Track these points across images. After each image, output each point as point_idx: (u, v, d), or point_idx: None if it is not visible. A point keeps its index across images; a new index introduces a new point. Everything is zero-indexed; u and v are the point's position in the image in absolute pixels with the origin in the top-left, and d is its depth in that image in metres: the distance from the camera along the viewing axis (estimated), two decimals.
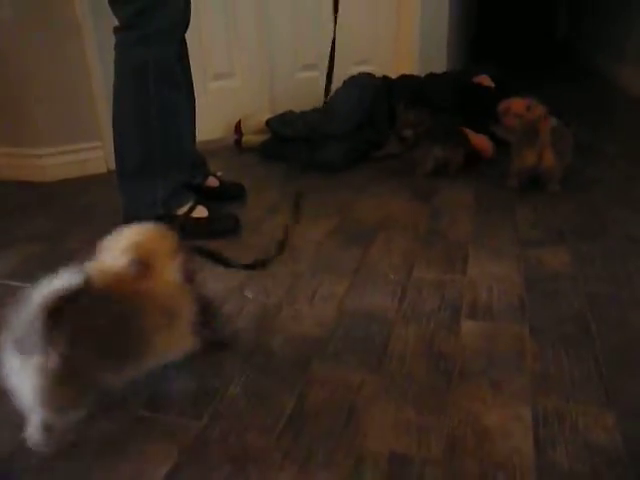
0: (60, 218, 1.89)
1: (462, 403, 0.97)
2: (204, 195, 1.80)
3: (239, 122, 2.62)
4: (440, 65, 3.01)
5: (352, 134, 2.32)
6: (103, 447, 0.90)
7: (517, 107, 1.97)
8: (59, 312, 0.78)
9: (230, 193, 1.93)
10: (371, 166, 2.30)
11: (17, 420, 0.88)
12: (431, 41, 3.06)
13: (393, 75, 2.58)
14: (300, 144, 2.35)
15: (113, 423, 0.95)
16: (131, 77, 1.59)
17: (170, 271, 0.97)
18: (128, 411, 0.98)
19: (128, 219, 1.67)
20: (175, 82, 1.64)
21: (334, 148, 2.26)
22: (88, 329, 0.83)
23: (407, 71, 2.74)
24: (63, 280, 0.81)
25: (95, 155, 2.37)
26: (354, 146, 2.32)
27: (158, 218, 1.63)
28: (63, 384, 0.81)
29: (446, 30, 3.13)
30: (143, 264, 0.93)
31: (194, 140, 1.83)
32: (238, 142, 2.64)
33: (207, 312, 1.09)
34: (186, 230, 1.63)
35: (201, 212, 1.69)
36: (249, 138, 2.60)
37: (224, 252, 1.52)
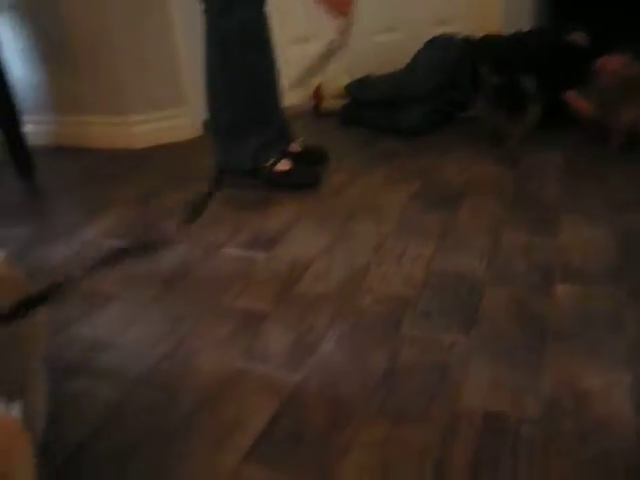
0: (152, 183, 1.97)
1: (558, 365, 0.95)
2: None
3: (318, 87, 2.62)
4: (525, 23, 2.87)
5: (434, 96, 2.27)
6: (204, 394, 0.96)
7: (613, 65, 1.88)
8: None
9: (313, 158, 1.94)
10: (453, 130, 2.25)
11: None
12: None
13: (476, 35, 2.49)
14: (379, 108, 2.33)
15: (211, 373, 1.00)
16: (217, 43, 1.67)
17: None
18: (226, 361, 1.03)
19: (221, 171, 1.86)
20: (260, 45, 1.70)
21: (415, 111, 2.23)
22: None
23: (491, 31, 2.63)
24: None
25: (182, 122, 2.45)
26: (436, 108, 2.27)
27: (246, 171, 1.80)
28: None
29: None
30: None
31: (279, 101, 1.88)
32: (317, 107, 2.64)
33: None
34: (270, 181, 1.78)
35: (284, 165, 1.79)
36: (328, 103, 2.60)
37: (304, 208, 1.59)
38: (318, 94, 2.63)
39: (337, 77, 2.63)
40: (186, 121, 2.45)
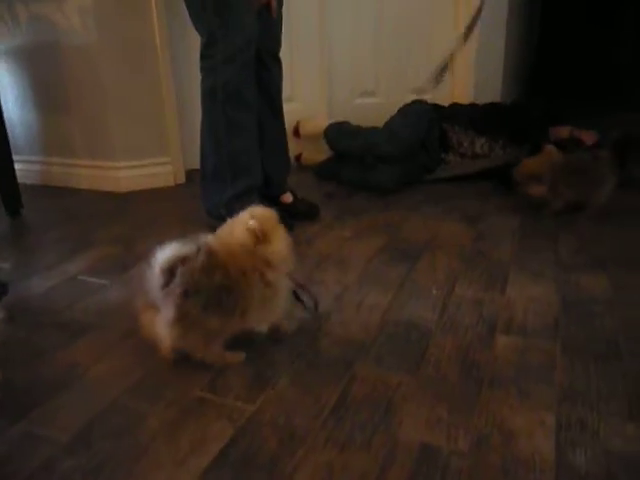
0: (133, 225, 2.08)
1: (490, 407, 1.05)
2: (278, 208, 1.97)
3: (297, 124, 2.81)
4: (495, 95, 3.09)
5: (406, 158, 2.44)
6: (165, 421, 1.04)
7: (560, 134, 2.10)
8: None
9: (302, 211, 2.07)
10: (420, 189, 2.41)
11: None
12: (487, 71, 3.14)
13: (445, 103, 2.69)
14: (354, 166, 2.48)
15: (174, 402, 1.09)
16: (206, 99, 1.86)
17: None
18: (189, 392, 1.11)
19: (207, 214, 1.99)
20: (241, 103, 1.85)
21: (388, 171, 2.38)
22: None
23: (462, 100, 2.84)
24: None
25: (164, 170, 2.58)
26: (407, 170, 2.43)
27: (220, 218, 1.88)
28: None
29: (502, 60, 3.21)
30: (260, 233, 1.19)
31: (280, 155, 2.08)
32: (298, 159, 2.82)
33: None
34: None
35: None
36: (308, 156, 2.78)
37: None
38: (298, 131, 2.82)
39: (316, 118, 2.81)
40: (169, 169, 2.58)
